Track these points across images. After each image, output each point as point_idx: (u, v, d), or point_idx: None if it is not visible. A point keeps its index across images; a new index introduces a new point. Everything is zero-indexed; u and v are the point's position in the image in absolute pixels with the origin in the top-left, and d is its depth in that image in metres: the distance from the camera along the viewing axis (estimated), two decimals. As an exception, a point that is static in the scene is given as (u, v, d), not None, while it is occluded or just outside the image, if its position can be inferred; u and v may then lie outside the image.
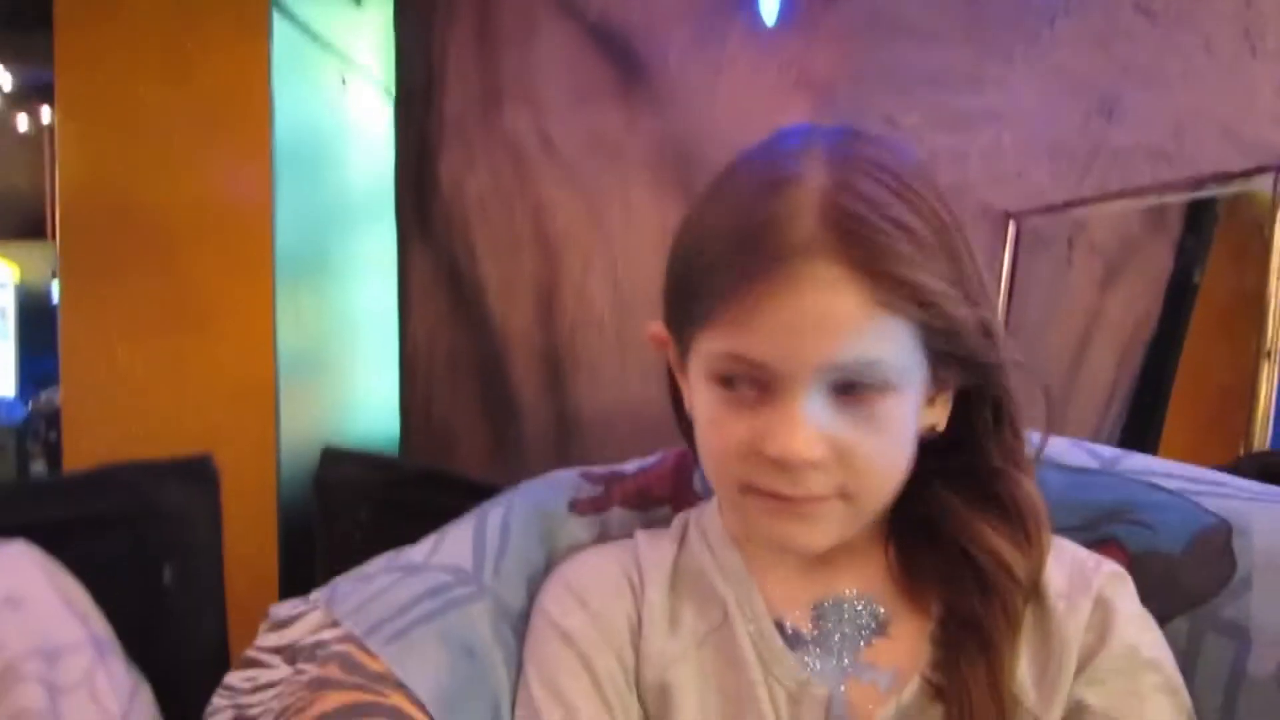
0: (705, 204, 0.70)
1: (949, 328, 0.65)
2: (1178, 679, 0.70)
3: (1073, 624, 0.70)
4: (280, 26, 1.51)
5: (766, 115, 1.72)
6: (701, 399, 0.70)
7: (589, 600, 0.77)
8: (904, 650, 0.72)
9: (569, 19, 1.85)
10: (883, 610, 0.74)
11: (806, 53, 1.77)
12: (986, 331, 0.67)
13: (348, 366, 1.90)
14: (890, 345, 0.64)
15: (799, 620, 0.74)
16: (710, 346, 0.67)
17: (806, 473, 0.65)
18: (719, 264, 0.65)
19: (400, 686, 0.71)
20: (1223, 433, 1.76)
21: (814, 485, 0.66)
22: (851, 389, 0.64)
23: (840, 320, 0.62)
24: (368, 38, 1.95)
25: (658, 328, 0.76)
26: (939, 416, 0.71)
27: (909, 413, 0.67)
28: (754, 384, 0.65)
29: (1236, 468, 0.89)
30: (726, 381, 0.67)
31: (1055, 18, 1.73)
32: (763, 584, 0.76)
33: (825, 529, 0.68)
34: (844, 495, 0.67)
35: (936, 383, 0.69)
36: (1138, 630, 0.71)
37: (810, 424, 0.64)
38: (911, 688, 0.70)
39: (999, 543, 0.70)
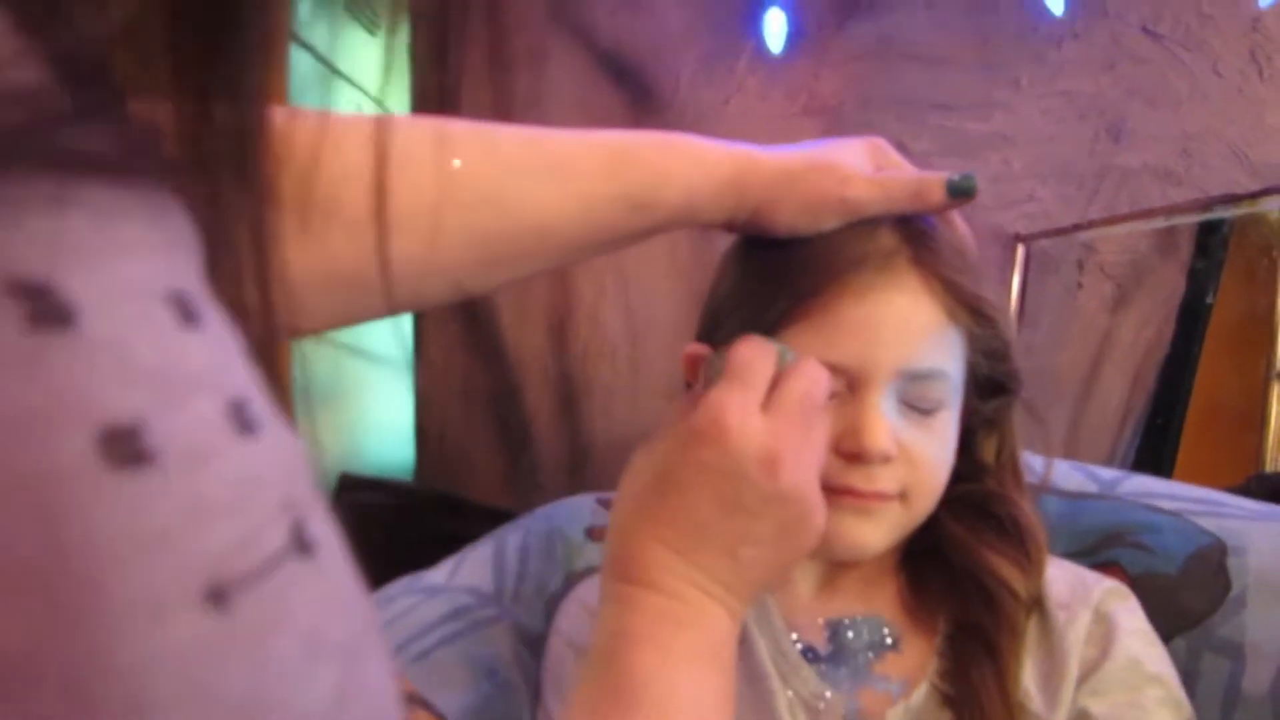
0: None
1: (997, 348, 0.69)
2: (1182, 695, 0.71)
3: (1072, 634, 0.72)
4: (298, 57, 1.53)
5: (775, 141, 1.73)
6: None
7: None
8: (913, 663, 0.75)
9: (581, 47, 1.88)
10: (892, 630, 0.76)
11: (815, 79, 1.79)
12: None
13: (363, 393, 1.92)
14: (953, 358, 0.68)
15: (814, 637, 0.76)
16: None
17: (879, 468, 0.68)
18: (793, 271, 0.68)
19: (426, 706, 0.72)
20: (1237, 454, 1.76)
21: (884, 481, 0.69)
22: (914, 399, 0.68)
23: (918, 327, 0.66)
24: (382, 66, 1.97)
25: (696, 348, 0.72)
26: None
27: (954, 427, 0.72)
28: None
29: (1246, 489, 0.90)
30: None
31: (1062, 41, 1.74)
32: (779, 604, 0.78)
33: (880, 530, 0.71)
34: (904, 496, 0.70)
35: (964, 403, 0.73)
36: (1141, 646, 0.72)
37: (886, 420, 0.67)
38: (920, 693, 0.72)
39: (1001, 564, 0.72)
